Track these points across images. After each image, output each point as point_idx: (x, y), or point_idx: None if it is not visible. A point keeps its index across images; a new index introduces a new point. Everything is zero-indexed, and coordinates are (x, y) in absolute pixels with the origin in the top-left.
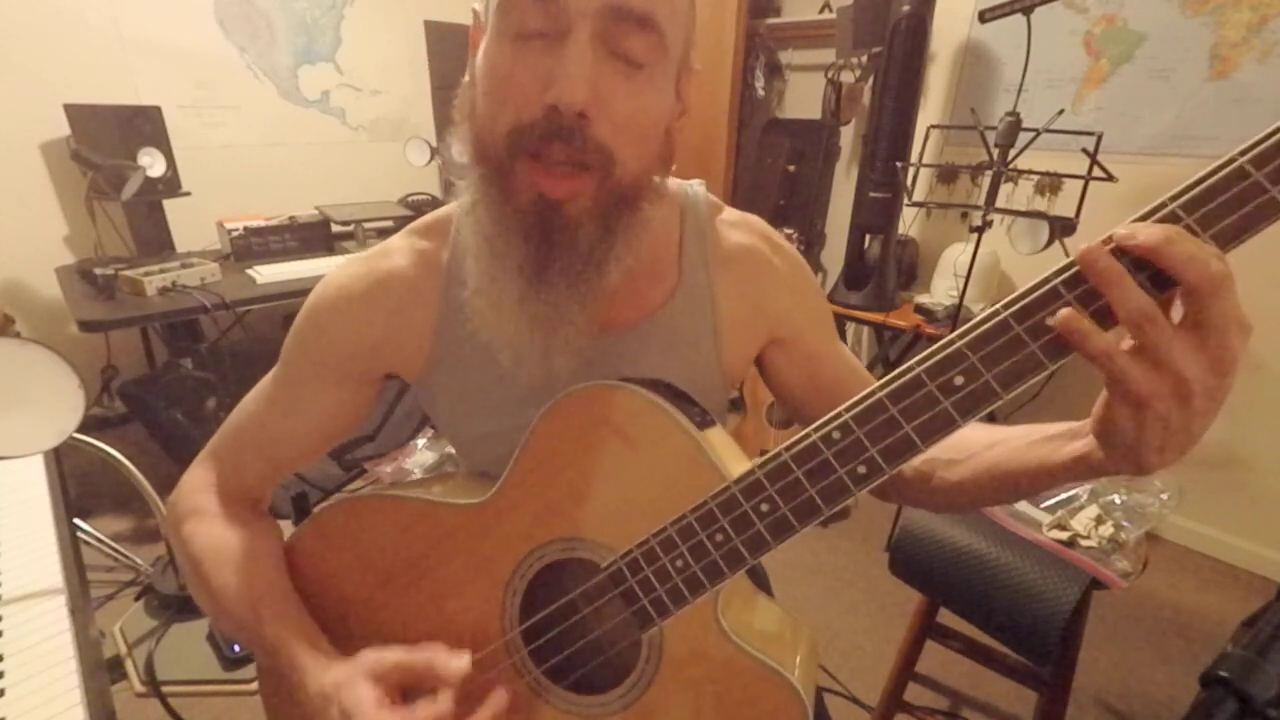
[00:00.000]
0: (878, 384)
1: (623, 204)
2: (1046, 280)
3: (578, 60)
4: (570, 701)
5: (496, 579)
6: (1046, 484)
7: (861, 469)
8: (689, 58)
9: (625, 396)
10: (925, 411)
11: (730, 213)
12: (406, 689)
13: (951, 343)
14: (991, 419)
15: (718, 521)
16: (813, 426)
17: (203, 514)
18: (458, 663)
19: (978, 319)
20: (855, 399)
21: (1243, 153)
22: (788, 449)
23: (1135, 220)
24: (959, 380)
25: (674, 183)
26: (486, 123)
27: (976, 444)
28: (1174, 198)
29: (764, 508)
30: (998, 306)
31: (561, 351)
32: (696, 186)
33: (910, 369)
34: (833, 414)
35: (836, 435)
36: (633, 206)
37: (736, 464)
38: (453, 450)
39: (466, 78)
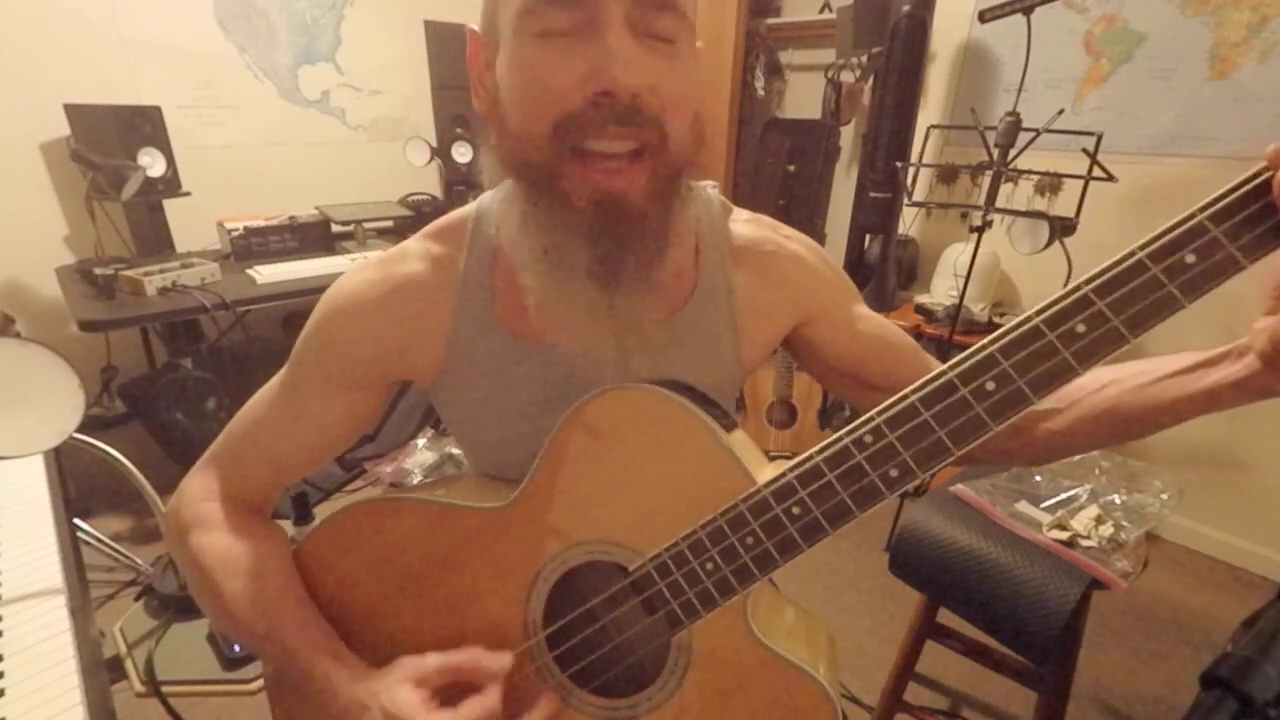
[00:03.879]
0: (910, 388)
1: (674, 182)
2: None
3: (624, 45)
4: (597, 705)
5: (519, 583)
6: (1188, 415)
7: (894, 472)
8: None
9: (649, 399)
10: (957, 417)
11: (741, 212)
12: (446, 691)
13: (983, 348)
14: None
15: (749, 524)
16: (845, 430)
17: (209, 523)
18: (501, 659)
19: (1008, 326)
20: (887, 403)
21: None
22: (819, 452)
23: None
24: (990, 385)
25: None
26: (523, 126)
27: (1081, 390)
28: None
29: (795, 510)
30: (1030, 313)
31: (636, 351)
32: (710, 189)
33: (942, 374)
34: (864, 418)
35: (869, 439)
36: (678, 185)
37: (761, 467)
38: (453, 451)
39: (478, 102)
